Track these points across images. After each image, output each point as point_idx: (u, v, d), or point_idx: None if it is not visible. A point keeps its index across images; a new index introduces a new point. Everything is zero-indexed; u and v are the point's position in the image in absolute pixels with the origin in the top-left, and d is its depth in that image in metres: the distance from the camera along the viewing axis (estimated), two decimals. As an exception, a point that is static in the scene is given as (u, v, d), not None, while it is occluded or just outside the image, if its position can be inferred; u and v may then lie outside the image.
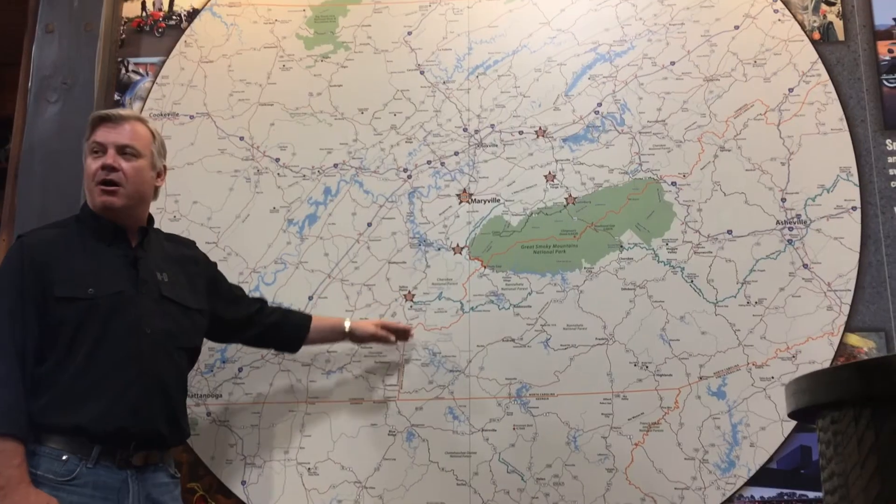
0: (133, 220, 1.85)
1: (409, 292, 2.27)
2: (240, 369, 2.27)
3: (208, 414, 2.25)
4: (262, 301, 2.13)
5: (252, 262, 2.33)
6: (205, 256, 2.06)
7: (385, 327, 2.17)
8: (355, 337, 2.16)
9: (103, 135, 1.82)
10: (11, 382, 1.63)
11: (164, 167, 1.94)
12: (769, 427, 2.10)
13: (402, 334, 2.20)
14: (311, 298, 2.29)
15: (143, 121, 1.90)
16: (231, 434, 2.24)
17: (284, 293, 2.30)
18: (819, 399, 0.82)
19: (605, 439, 2.14)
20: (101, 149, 1.81)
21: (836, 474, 0.83)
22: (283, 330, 2.11)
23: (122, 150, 1.81)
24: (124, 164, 1.80)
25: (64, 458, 1.64)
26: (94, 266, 1.75)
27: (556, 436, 2.15)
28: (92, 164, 1.80)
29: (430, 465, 2.16)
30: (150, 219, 1.92)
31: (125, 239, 1.82)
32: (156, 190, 1.93)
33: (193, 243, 2.06)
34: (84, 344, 1.68)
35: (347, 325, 2.15)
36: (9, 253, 1.77)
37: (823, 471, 0.89)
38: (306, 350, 2.24)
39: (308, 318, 2.14)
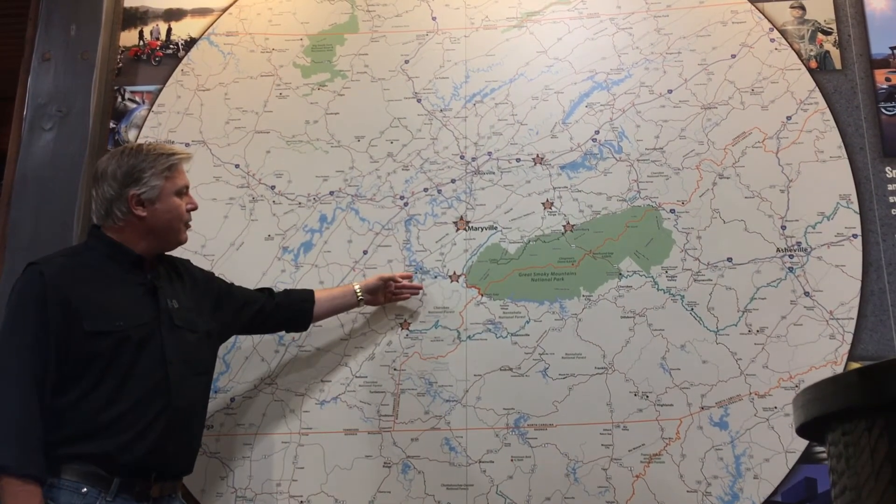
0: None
1: (405, 321, 2.24)
2: (232, 399, 2.22)
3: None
4: (268, 291, 2.11)
5: (246, 290, 2.30)
6: (201, 273, 2.02)
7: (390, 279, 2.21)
8: (367, 292, 2.17)
9: (184, 177, 1.86)
10: (33, 422, 1.58)
11: None
12: (773, 458, 2.05)
13: (410, 288, 2.24)
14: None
15: None
16: (222, 466, 2.19)
17: (278, 321, 2.26)
18: (829, 408, 0.79)
19: (606, 471, 2.08)
20: (186, 191, 1.85)
21: (849, 489, 0.79)
22: (288, 308, 2.10)
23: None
24: None
25: (83, 490, 1.60)
26: (117, 297, 1.73)
27: (555, 467, 2.10)
28: (182, 205, 1.83)
29: (427, 498, 2.11)
30: None
31: (140, 268, 1.80)
32: None
33: (188, 261, 2.02)
34: (113, 376, 1.66)
35: (357, 286, 2.17)
36: (26, 282, 1.68)
37: (835, 487, 0.85)
38: (300, 379, 2.21)
39: (311, 291, 2.14)
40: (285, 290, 2.15)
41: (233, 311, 2.00)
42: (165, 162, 1.80)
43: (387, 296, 2.22)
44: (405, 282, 2.23)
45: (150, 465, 1.68)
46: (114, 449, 1.63)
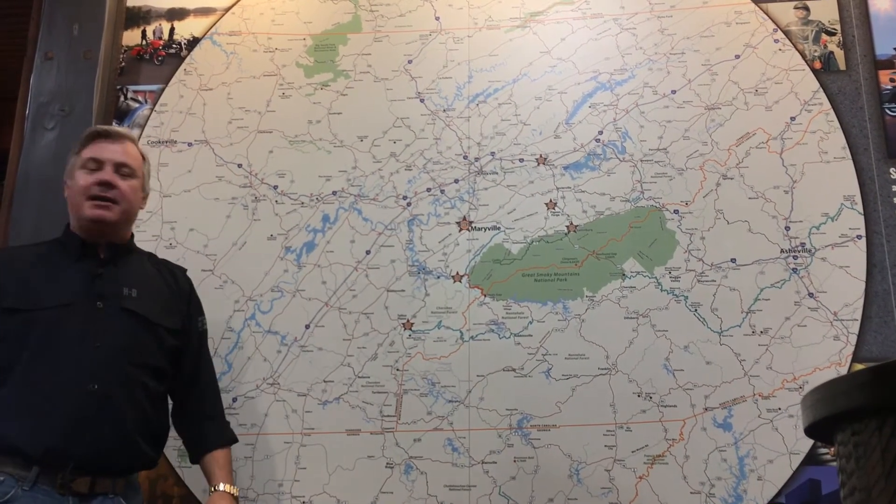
0: (116, 238, 1.81)
1: (408, 321, 2.23)
2: (234, 399, 2.21)
3: (201, 445, 2.19)
4: (205, 378, 1.93)
5: (248, 290, 2.29)
6: (189, 286, 1.96)
7: None
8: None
9: (100, 150, 1.78)
10: None
11: (148, 192, 1.92)
12: (777, 460, 2.05)
13: None
14: (308, 327, 2.25)
15: (135, 141, 1.89)
16: (224, 466, 2.18)
17: (281, 321, 2.25)
18: (838, 407, 0.78)
19: (609, 472, 2.08)
20: (97, 165, 1.77)
21: (859, 489, 0.79)
22: (193, 434, 1.90)
23: (119, 168, 1.79)
24: (121, 183, 1.77)
25: (1, 478, 1.56)
26: (48, 279, 1.71)
27: (558, 468, 2.09)
28: (87, 179, 1.75)
29: (429, 499, 2.10)
30: (131, 237, 1.89)
31: (95, 255, 1.77)
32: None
33: (184, 271, 1.99)
34: (23, 358, 1.62)
35: (215, 488, 1.83)
36: None
37: (844, 487, 0.84)
38: (302, 379, 2.21)
39: (217, 445, 1.87)
40: (211, 419, 1.91)
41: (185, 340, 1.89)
42: (82, 137, 1.81)
43: None
44: None
45: (62, 454, 1.58)
46: (23, 434, 1.57)
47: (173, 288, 1.90)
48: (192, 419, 1.90)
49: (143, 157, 1.88)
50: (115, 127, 1.92)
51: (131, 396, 1.70)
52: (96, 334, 1.68)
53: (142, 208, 1.89)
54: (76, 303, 1.69)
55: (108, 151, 1.78)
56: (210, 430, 1.89)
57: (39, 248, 1.81)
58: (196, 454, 1.89)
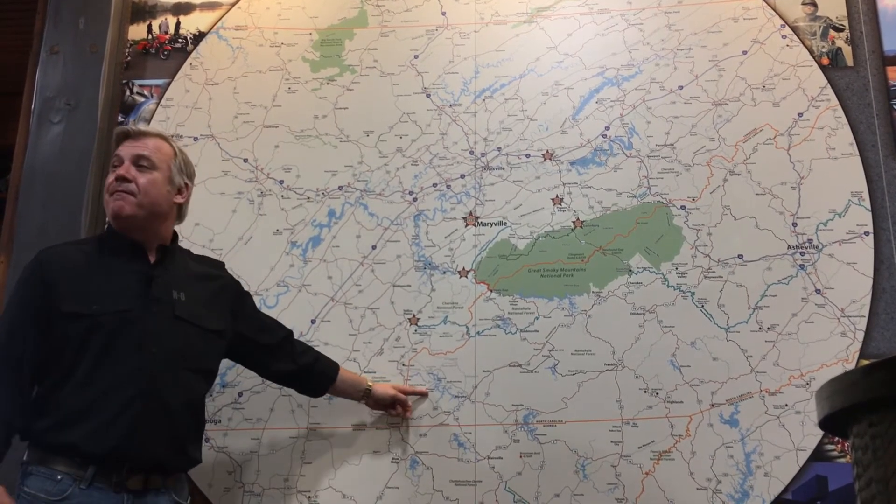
0: (150, 235, 1.81)
1: (414, 316, 2.23)
2: (240, 394, 2.21)
3: (206, 440, 2.17)
4: (289, 332, 2.06)
5: (254, 284, 2.29)
6: (232, 278, 2.02)
7: (404, 391, 2.13)
8: (373, 397, 2.09)
9: (123, 149, 1.81)
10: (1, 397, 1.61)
11: (187, 185, 1.90)
12: (784, 456, 2.04)
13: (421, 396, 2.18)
14: (313, 322, 2.25)
15: (165, 138, 1.88)
16: (229, 461, 2.18)
17: (287, 316, 2.24)
18: (856, 399, 0.78)
19: (615, 468, 2.07)
20: (119, 162, 1.80)
21: (876, 480, 0.78)
22: (311, 376, 2.05)
23: (137, 162, 1.79)
24: (137, 175, 1.77)
25: (58, 477, 1.59)
26: (104, 283, 1.72)
27: (564, 464, 2.09)
28: (109, 177, 1.79)
29: (435, 494, 2.10)
30: (175, 237, 1.90)
31: (143, 256, 1.78)
32: (180, 209, 1.89)
33: (222, 265, 2.02)
34: (84, 362, 1.64)
35: (369, 384, 2.10)
36: (25, 266, 1.74)
37: (860, 479, 0.84)
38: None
39: (336, 368, 2.07)
40: (315, 354, 2.07)
41: (251, 326, 1.98)
42: (114, 139, 1.84)
43: (389, 411, 2.14)
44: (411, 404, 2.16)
45: (121, 455, 1.63)
46: (82, 437, 1.60)
47: (215, 284, 1.92)
48: (301, 367, 2.02)
49: (175, 152, 1.87)
50: (139, 126, 1.91)
51: (187, 401, 1.77)
52: (153, 340, 1.71)
53: (178, 202, 1.87)
54: (134, 308, 1.71)
55: (130, 148, 1.81)
56: (324, 365, 2.06)
57: (85, 248, 1.79)
58: (322, 387, 2.06)
